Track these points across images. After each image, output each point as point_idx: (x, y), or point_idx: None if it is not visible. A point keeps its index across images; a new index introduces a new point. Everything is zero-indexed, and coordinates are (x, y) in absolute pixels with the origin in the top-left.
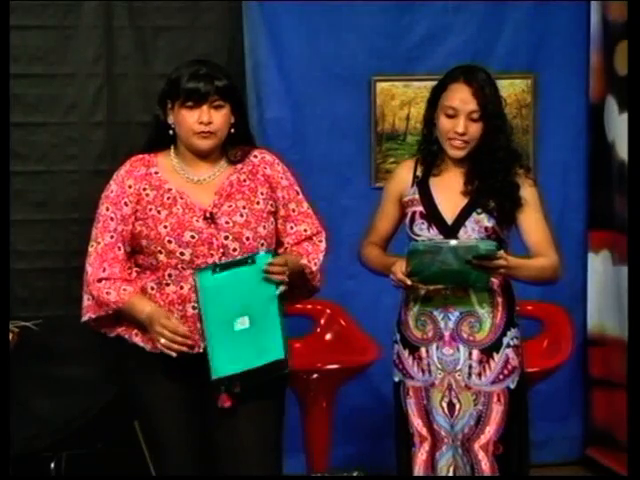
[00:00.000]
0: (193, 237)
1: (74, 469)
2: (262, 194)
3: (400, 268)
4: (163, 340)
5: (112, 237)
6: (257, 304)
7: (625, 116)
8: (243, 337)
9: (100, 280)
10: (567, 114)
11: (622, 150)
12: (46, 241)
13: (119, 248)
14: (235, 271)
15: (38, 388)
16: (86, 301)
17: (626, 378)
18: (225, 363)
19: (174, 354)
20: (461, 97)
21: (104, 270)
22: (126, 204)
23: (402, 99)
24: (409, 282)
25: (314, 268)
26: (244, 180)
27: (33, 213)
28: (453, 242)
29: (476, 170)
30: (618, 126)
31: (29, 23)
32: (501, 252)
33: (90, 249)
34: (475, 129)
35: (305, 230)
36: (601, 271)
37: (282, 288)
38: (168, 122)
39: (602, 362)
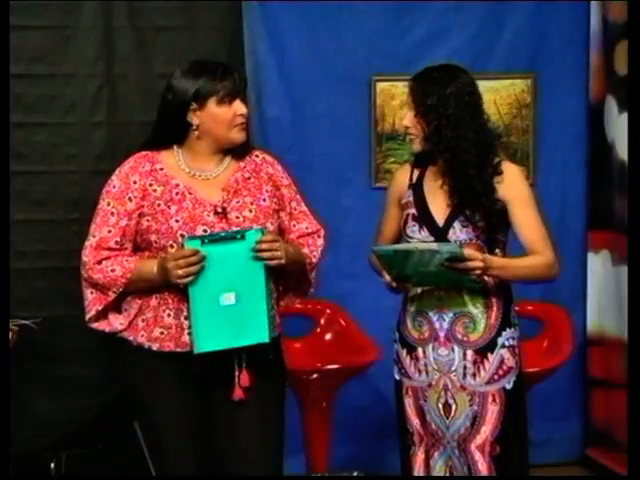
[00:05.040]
0: (205, 231)
1: (74, 469)
2: (267, 192)
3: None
4: (181, 271)
5: (110, 232)
6: (244, 282)
7: (625, 116)
8: (228, 313)
9: (100, 262)
10: (567, 114)
11: (622, 150)
12: (46, 241)
13: (116, 242)
14: (225, 245)
15: (38, 388)
16: (89, 295)
17: (626, 378)
18: (208, 338)
19: (190, 279)
20: (406, 94)
21: (101, 254)
22: (130, 199)
23: (402, 99)
24: (394, 284)
25: (314, 260)
26: (248, 178)
27: (33, 213)
28: (413, 246)
29: (448, 170)
30: (618, 126)
31: (29, 23)
32: (471, 253)
33: (86, 243)
34: (407, 119)
35: (307, 228)
36: (601, 271)
37: (273, 263)
38: (189, 122)
39: (602, 362)
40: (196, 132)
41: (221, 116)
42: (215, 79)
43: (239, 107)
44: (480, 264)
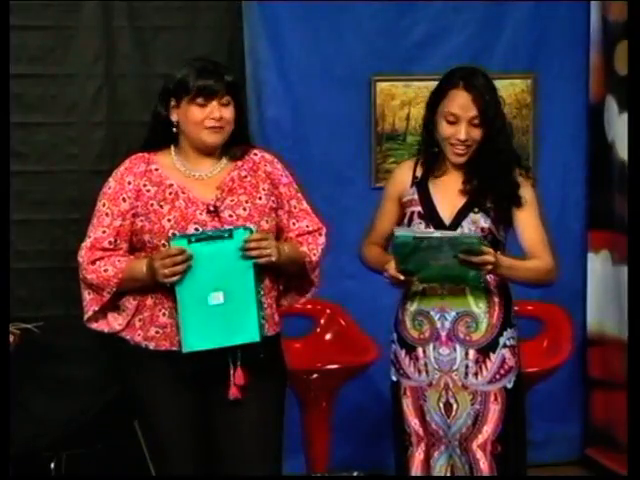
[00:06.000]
0: (197, 230)
1: (74, 469)
2: (264, 190)
3: (393, 264)
4: (167, 270)
5: (104, 232)
6: (233, 280)
7: (625, 116)
8: (217, 313)
9: (94, 262)
10: (567, 114)
11: (622, 150)
12: (46, 241)
13: (110, 242)
14: (212, 244)
15: (38, 388)
16: (87, 296)
17: (626, 378)
18: (197, 337)
19: (176, 278)
20: (461, 104)
21: (95, 254)
22: (124, 200)
23: (402, 99)
24: (402, 277)
25: (314, 258)
26: (245, 176)
27: (33, 213)
28: (437, 233)
29: (476, 171)
30: (618, 126)
31: (29, 23)
32: (487, 248)
33: (82, 244)
34: (476, 134)
35: (307, 226)
36: (600, 271)
37: (262, 261)
38: (171, 119)
39: (601, 362)
40: (176, 129)
41: (192, 116)
42: (191, 77)
43: (213, 111)
44: (492, 259)
